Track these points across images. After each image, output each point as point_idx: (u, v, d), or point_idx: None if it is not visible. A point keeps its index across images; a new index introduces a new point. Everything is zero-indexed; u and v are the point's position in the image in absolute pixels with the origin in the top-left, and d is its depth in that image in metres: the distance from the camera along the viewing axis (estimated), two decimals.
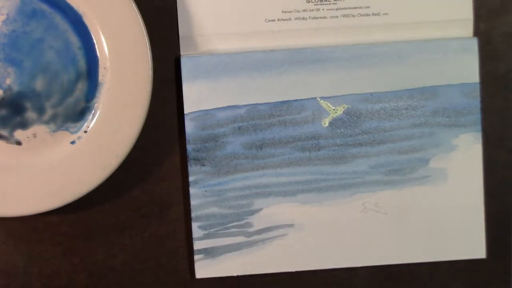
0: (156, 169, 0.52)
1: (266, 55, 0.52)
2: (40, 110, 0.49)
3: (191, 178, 0.52)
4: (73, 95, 0.50)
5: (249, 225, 0.53)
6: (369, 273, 0.54)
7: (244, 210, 0.52)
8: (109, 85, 0.49)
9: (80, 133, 0.50)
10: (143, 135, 0.49)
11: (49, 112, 0.49)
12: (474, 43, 0.52)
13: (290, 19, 0.52)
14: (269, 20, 0.52)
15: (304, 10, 0.52)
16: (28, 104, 0.49)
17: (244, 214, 0.53)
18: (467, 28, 0.53)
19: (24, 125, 0.49)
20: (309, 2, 0.52)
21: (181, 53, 0.52)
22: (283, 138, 0.52)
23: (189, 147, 0.52)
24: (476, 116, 0.53)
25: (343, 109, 0.52)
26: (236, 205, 0.52)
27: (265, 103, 0.52)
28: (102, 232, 0.53)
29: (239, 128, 0.52)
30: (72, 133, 0.50)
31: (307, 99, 0.52)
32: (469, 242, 0.53)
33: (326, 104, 0.52)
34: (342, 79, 0.52)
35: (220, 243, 0.52)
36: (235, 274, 0.53)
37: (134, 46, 0.48)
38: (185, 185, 0.52)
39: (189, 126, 0.52)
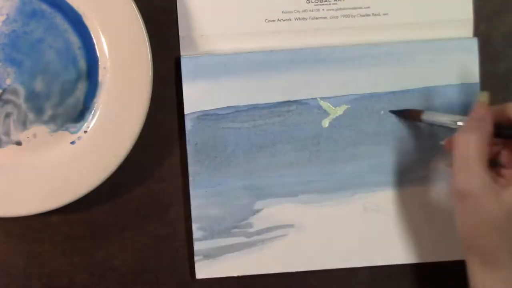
0: (156, 169, 0.52)
1: (266, 56, 0.52)
2: (40, 110, 0.49)
3: (191, 178, 0.52)
4: (73, 95, 0.50)
5: (249, 225, 0.53)
6: (369, 273, 0.54)
7: (244, 211, 0.52)
8: (109, 85, 0.49)
9: (80, 133, 0.50)
10: (143, 135, 0.49)
11: (49, 112, 0.49)
12: (474, 43, 0.52)
13: (290, 20, 0.52)
14: (269, 21, 0.52)
15: (304, 11, 0.52)
16: (28, 104, 0.49)
17: (244, 215, 0.53)
18: (467, 28, 0.53)
19: (25, 124, 0.49)
20: (309, 2, 0.52)
21: (181, 53, 0.52)
22: (283, 138, 0.52)
23: (189, 147, 0.52)
24: None
25: (343, 109, 0.52)
26: (236, 205, 0.52)
27: (265, 103, 0.52)
28: (102, 232, 0.53)
29: (239, 128, 0.52)
30: (72, 133, 0.50)
31: (307, 99, 0.52)
32: None
33: (326, 104, 0.52)
34: (342, 79, 0.52)
35: (220, 243, 0.52)
36: (235, 275, 0.53)
37: (134, 46, 0.48)
38: (185, 185, 0.52)
39: (189, 126, 0.52)
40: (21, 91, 0.49)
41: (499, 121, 0.46)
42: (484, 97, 0.46)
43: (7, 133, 0.49)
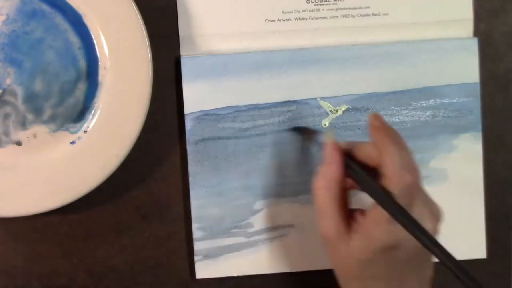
0: (156, 169, 0.52)
1: (266, 56, 0.52)
2: (39, 111, 0.49)
3: (191, 178, 0.52)
4: (73, 95, 0.50)
5: (249, 225, 0.53)
6: None
7: (244, 211, 0.52)
8: (109, 85, 0.49)
9: (80, 133, 0.50)
10: (143, 135, 0.49)
11: (49, 112, 0.49)
12: (474, 43, 0.53)
13: (290, 20, 0.52)
14: (269, 21, 0.52)
15: (304, 11, 0.52)
16: (26, 106, 0.49)
17: (244, 215, 0.53)
18: (467, 28, 0.53)
19: (24, 125, 0.49)
20: (309, 2, 0.52)
21: (181, 53, 0.52)
22: (283, 138, 0.52)
23: (189, 147, 0.52)
24: (476, 116, 0.53)
25: (343, 109, 0.52)
26: (236, 205, 0.52)
27: (265, 103, 0.52)
28: (102, 232, 0.53)
29: (239, 128, 0.52)
30: (72, 133, 0.50)
31: (307, 99, 0.52)
32: (469, 242, 0.53)
33: (326, 104, 0.52)
34: (342, 79, 0.52)
35: (220, 243, 0.52)
36: (235, 275, 0.53)
37: (134, 46, 0.48)
38: (185, 185, 0.52)
39: (189, 126, 0.52)
40: (20, 92, 0.49)
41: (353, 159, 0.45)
42: (328, 137, 0.45)
43: (7, 133, 0.49)
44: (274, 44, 0.52)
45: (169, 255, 0.53)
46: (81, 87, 0.50)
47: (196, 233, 0.52)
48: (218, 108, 0.52)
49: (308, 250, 0.53)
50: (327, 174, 0.44)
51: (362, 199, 0.52)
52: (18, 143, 0.50)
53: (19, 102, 0.49)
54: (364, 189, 0.43)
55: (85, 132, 0.50)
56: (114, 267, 0.53)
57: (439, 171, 0.53)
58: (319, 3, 0.52)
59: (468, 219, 0.53)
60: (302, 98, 0.52)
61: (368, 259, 0.42)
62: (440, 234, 0.53)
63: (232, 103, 0.52)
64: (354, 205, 0.46)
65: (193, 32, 0.52)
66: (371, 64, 0.52)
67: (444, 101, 0.53)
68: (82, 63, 0.49)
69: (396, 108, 0.53)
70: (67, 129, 0.50)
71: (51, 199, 0.49)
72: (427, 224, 0.42)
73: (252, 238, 0.53)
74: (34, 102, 0.49)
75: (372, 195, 0.42)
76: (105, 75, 0.49)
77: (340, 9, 0.52)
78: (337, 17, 0.52)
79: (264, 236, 0.53)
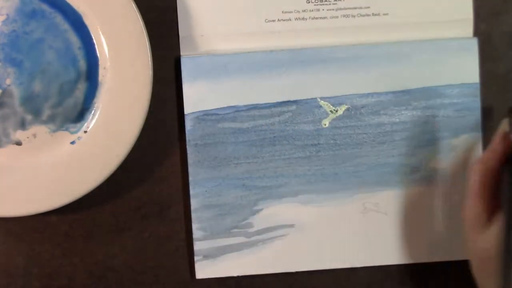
0: (156, 169, 0.52)
1: (266, 55, 0.52)
2: (38, 111, 0.49)
3: (191, 178, 0.52)
4: (73, 95, 0.50)
5: (250, 225, 0.53)
6: (369, 273, 0.54)
7: (244, 211, 0.52)
8: (109, 85, 0.49)
9: (80, 133, 0.50)
10: (143, 135, 0.49)
11: (49, 112, 0.49)
12: (474, 43, 0.52)
13: (290, 20, 0.52)
14: (269, 21, 0.52)
15: (304, 11, 0.52)
16: (24, 107, 0.49)
17: (244, 215, 0.53)
18: (467, 28, 0.53)
19: (24, 125, 0.49)
20: (309, 2, 0.52)
21: (181, 53, 0.52)
22: (283, 138, 0.52)
23: (189, 147, 0.52)
24: (476, 116, 0.53)
25: (343, 109, 0.52)
26: (236, 205, 0.52)
27: (265, 103, 0.52)
28: (102, 232, 0.53)
29: (239, 128, 0.52)
30: (72, 133, 0.50)
31: (307, 99, 0.52)
32: None
33: (326, 104, 0.52)
34: (342, 79, 0.52)
35: (220, 243, 0.52)
36: (235, 275, 0.53)
37: (134, 46, 0.48)
38: (185, 185, 0.52)
39: (189, 126, 0.52)
40: (17, 93, 0.49)
41: None
42: (503, 125, 0.47)
43: (7, 133, 0.49)
44: (274, 44, 0.52)
45: (169, 255, 0.53)
46: (81, 87, 0.50)
47: (196, 233, 0.52)
48: (218, 108, 0.52)
49: (308, 250, 0.53)
50: (486, 160, 0.46)
51: None
52: (18, 143, 0.50)
53: (15, 105, 0.49)
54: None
55: (85, 132, 0.50)
56: (114, 267, 0.53)
57: (439, 171, 0.53)
58: (319, 3, 0.52)
59: None
60: (302, 98, 0.52)
61: None
62: (441, 235, 0.53)
63: (232, 103, 0.52)
64: None
65: (193, 32, 0.52)
66: (371, 64, 0.52)
67: (444, 101, 0.53)
68: (82, 63, 0.49)
69: (396, 108, 0.53)
70: (67, 129, 0.50)
71: (51, 199, 0.49)
72: None
73: (252, 238, 0.53)
74: (31, 104, 0.49)
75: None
76: (105, 75, 0.49)
77: (340, 9, 0.52)
78: (337, 17, 0.52)
79: (264, 236, 0.53)
